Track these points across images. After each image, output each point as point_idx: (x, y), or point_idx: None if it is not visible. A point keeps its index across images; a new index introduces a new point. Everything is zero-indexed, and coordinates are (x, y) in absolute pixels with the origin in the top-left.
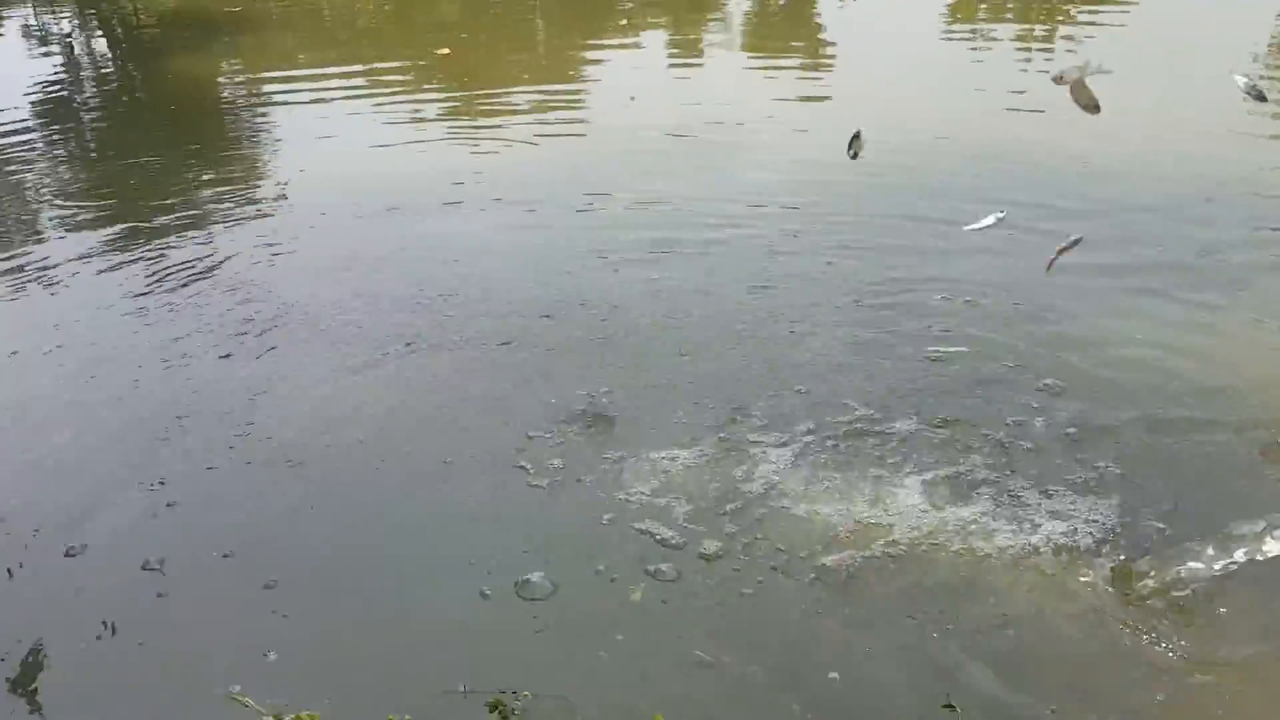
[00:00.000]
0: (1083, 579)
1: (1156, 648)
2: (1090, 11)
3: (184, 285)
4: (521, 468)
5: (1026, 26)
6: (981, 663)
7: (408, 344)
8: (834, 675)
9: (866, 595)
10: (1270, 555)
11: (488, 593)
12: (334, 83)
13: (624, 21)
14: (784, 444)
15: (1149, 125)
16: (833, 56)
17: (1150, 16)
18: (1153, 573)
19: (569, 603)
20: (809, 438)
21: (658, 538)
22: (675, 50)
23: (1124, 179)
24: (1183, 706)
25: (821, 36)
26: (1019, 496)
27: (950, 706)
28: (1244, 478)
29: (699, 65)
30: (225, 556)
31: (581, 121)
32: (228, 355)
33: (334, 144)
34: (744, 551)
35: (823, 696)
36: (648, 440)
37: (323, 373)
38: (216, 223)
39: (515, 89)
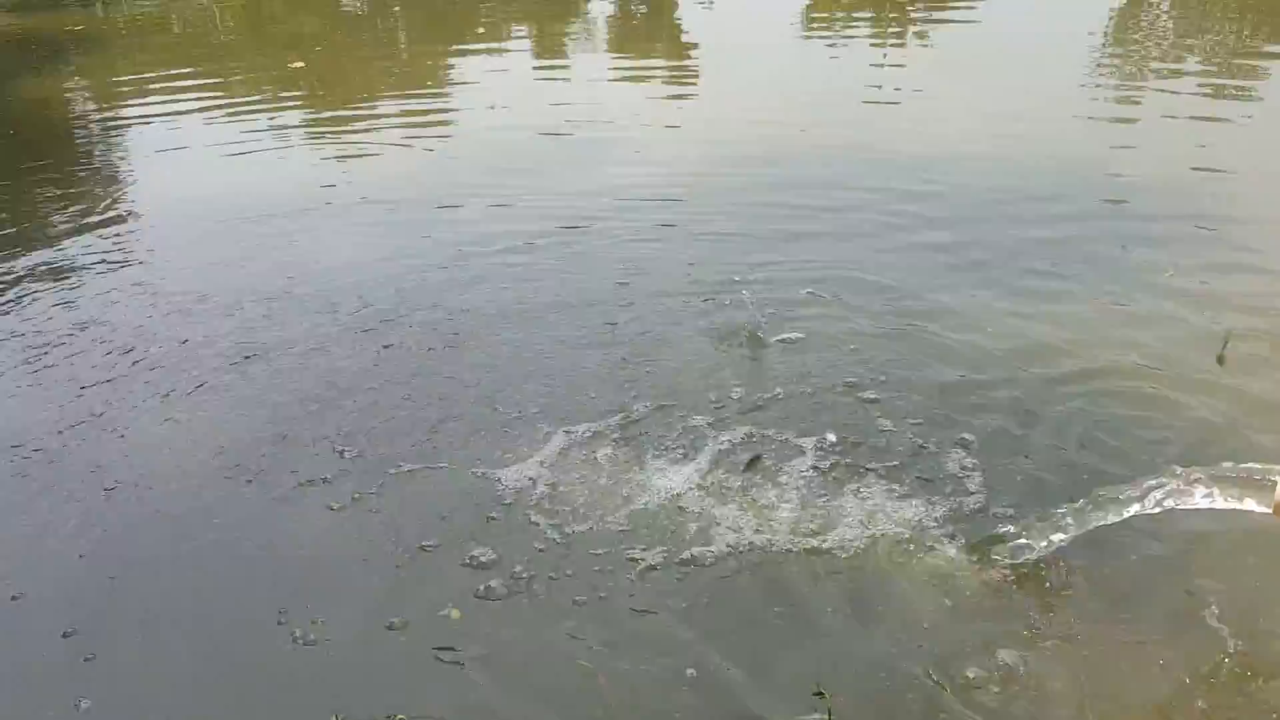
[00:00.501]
0: (936, 560)
1: (1014, 623)
2: (938, 6)
3: (13, 313)
4: (313, 485)
5: (880, 21)
6: (837, 647)
7: (233, 364)
8: (691, 671)
9: (714, 590)
10: (1114, 522)
11: (297, 634)
12: (186, 98)
13: (481, 30)
14: (624, 443)
15: (997, 114)
16: (697, 56)
17: (996, 12)
18: (1006, 548)
19: (393, 630)
20: (649, 437)
21: (479, 555)
22: (540, 54)
23: (975, 165)
24: (1041, 677)
25: (685, 37)
26: (871, 482)
27: (820, 694)
28: (1092, 452)
29: (564, 68)
30: (14, 599)
31: (445, 126)
32: (45, 387)
33: (188, 160)
34: (577, 556)
35: (685, 693)
36: (465, 454)
37: (138, 402)
38: (59, 247)
39: (375, 97)
